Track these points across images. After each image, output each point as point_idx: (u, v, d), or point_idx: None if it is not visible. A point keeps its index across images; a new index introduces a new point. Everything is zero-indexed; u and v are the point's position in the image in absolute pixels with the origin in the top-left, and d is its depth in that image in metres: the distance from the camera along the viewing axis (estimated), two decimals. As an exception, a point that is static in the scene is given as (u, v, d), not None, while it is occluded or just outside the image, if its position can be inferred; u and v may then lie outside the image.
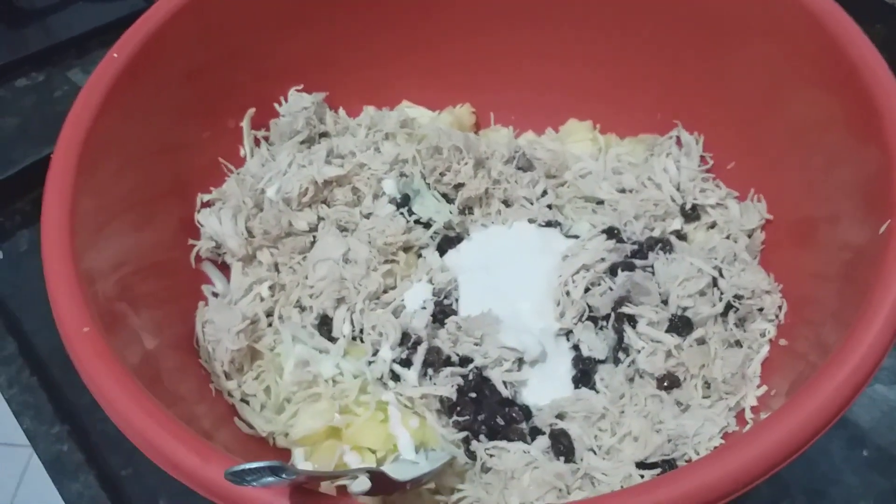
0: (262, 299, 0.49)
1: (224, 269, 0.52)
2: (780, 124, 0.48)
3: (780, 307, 0.46)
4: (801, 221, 0.47)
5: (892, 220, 0.36)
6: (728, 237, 0.51)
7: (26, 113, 0.63)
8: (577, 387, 0.46)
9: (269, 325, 0.49)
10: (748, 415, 0.43)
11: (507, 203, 0.53)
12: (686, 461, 0.43)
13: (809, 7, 0.44)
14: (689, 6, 0.50)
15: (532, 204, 0.52)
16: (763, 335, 0.46)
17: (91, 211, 0.42)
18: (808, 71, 0.45)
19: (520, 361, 0.46)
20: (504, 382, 0.45)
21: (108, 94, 0.44)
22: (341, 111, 0.58)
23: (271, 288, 0.50)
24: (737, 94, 0.51)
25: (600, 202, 0.54)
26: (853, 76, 0.41)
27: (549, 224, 0.52)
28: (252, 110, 0.54)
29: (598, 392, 0.46)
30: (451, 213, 0.51)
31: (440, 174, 0.52)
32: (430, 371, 0.46)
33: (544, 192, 0.53)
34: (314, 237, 0.51)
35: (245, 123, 0.54)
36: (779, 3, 0.45)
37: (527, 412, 0.46)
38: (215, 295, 0.51)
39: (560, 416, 0.45)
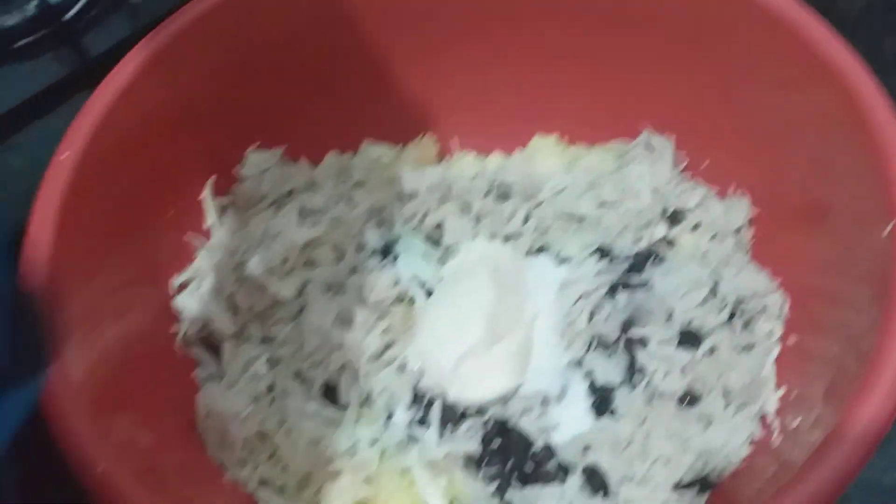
0: (260, 377, 0.47)
1: (211, 349, 0.50)
2: (751, 118, 0.48)
3: (782, 304, 0.46)
4: (789, 213, 0.47)
5: (896, 222, 0.36)
6: (715, 237, 0.51)
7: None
8: (597, 416, 0.46)
9: (272, 401, 0.47)
10: (772, 419, 0.43)
11: (493, 238, 0.52)
12: (718, 475, 0.43)
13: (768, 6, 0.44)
14: (646, 9, 0.49)
15: (520, 237, 0.51)
16: (770, 335, 0.46)
17: (70, 330, 0.39)
18: (777, 66, 0.45)
19: (544, 403, 0.46)
20: (537, 429, 0.45)
21: (64, 199, 0.41)
22: (303, 161, 0.55)
23: (268, 362, 0.48)
24: (700, 92, 0.50)
25: (582, 218, 0.53)
26: (826, 71, 0.41)
27: (538, 251, 0.51)
28: (212, 178, 0.52)
29: (619, 419, 0.45)
30: (437, 260, 0.50)
31: (421, 218, 0.51)
32: (448, 428, 0.45)
33: (527, 218, 0.52)
34: (302, 303, 0.49)
35: (207, 194, 0.52)
36: (737, 4, 0.45)
37: (551, 450, 0.45)
38: (208, 378, 0.49)
39: (587, 449, 0.44)
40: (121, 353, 0.44)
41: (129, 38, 0.61)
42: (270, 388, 0.48)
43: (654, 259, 0.49)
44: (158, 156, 0.48)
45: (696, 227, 0.52)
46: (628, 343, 0.46)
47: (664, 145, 0.53)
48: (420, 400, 0.46)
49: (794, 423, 0.41)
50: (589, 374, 0.46)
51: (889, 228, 0.36)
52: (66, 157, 0.42)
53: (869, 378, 0.32)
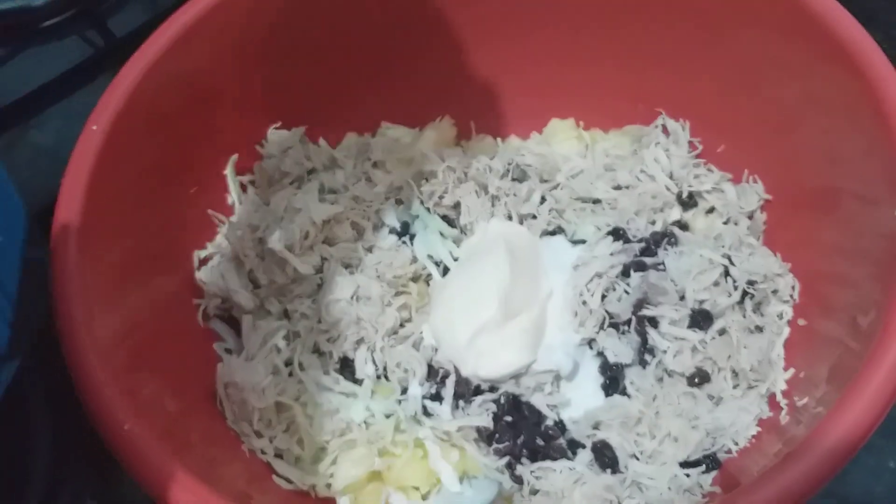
0: (278, 350, 0.49)
1: (232, 323, 0.51)
2: (766, 104, 0.49)
3: (793, 287, 0.47)
4: (802, 198, 0.48)
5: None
6: (728, 221, 0.51)
7: None
8: (608, 394, 0.47)
9: (290, 374, 0.48)
10: (780, 399, 0.44)
11: (509, 218, 0.53)
12: (726, 453, 0.44)
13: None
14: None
15: (535, 218, 0.52)
16: (781, 317, 0.47)
17: (98, 294, 0.41)
18: (792, 50, 0.45)
19: (556, 380, 0.47)
20: (548, 406, 0.46)
21: (93, 170, 0.42)
22: (322, 142, 0.56)
23: (286, 337, 0.49)
24: (717, 78, 0.51)
25: (597, 201, 0.54)
26: (842, 56, 0.42)
27: (553, 232, 0.52)
28: (235, 156, 0.53)
29: (630, 397, 0.46)
30: (454, 241, 0.51)
31: (438, 197, 0.52)
32: (461, 403, 0.46)
33: (543, 199, 0.53)
34: (320, 279, 0.51)
35: (229, 171, 0.53)
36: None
37: (562, 427, 0.46)
38: (228, 351, 0.50)
39: (596, 426, 0.45)
40: (146, 322, 0.45)
41: (153, 20, 0.63)
42: (288, 362, 0.49)
43: (668, 241, 0.50)
44: (182, 133, 0.49)
45: (709, 210, 0.52)
46: (640, 323, 0.47)
47: (680, 130, 0.54)
48: (434, 375, 0.47)
49: (801, 403, 0.41)
50: (601, 352, 0.47)
51: (886, 211, 0.37)
52: (97, 128, 0.43)
53: (872, 356, 0.33)
